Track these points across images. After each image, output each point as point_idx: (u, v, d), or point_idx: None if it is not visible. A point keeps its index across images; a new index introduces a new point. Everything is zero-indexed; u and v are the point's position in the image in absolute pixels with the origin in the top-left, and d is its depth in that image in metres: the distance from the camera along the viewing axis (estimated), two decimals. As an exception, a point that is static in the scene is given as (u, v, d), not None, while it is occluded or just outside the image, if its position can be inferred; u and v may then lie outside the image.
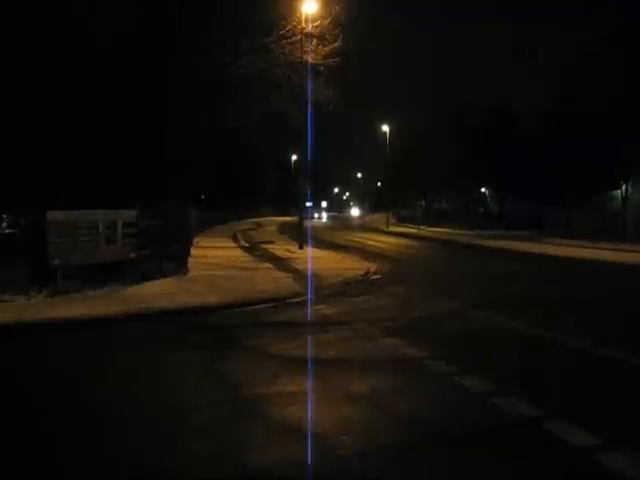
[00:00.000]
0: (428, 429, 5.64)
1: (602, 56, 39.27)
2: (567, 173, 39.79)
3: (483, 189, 61.20)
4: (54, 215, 13.67)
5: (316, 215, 31.38)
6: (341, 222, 74.87)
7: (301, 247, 27.29)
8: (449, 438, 5.42)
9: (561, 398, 6.51)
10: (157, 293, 13.52)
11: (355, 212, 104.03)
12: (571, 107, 42.19)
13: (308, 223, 31.82)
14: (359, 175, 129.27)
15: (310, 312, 12.24)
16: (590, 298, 14.11)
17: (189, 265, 18.23)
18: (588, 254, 25.40)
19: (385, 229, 57.44)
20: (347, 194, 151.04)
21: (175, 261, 17.35)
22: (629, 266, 21.80)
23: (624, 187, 40.68)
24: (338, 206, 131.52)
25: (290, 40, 24.05)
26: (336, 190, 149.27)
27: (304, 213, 31.24)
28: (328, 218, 72.20)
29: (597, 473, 4.75)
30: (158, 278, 15.57)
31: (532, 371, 7.66)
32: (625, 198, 40.54)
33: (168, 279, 15.71)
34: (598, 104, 40.05)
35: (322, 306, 12.81)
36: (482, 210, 61.33)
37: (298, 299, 13.58)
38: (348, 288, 15.60)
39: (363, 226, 66.39)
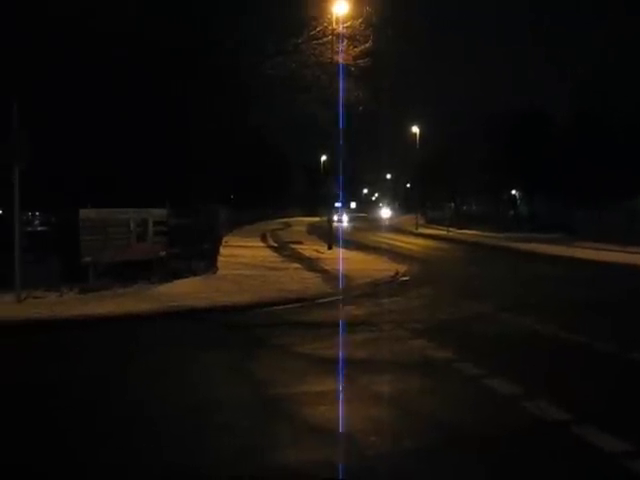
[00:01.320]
0: (457, 432, 5.59)
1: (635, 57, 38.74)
2: (598, 176, 39.26)
3: (513, 191, 60.55)
4: (86, 213, 13.83)
5: (335, 218, 30.00)
6: (369, 223, 74.72)
7: (330, 247, 27.28)
8: (478, 441, 5.36)
9: (591, 402, 6.40)
10: (186, 292, 13.61)
11: (385, 213, 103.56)
12: (603, 110, 41.69)
13: (337, 224, 31.77)
14: (388, 176, 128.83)
15: (339, 313, 12.23)
16: (620, 302, 13.88)
17: (218, 264, 18.32)
18: (619, 258, 24.96)
19: (414, 230, 57.13)
20: (376, 195, 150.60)
21: (204, 260, 17.45)
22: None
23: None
24: (367, 207, 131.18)
25: (321, 41, 24.04)
26: (365, 191, 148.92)
27: (333, 214, 31.21)
28: (351, 221, 70.41)
29: (625, 478, 4.67)
30: (187, 276, 15.68)
31: (561, 375, 7.54)
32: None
33: (197, 278, 15.81)
34: (630, 107, 39.54)
35: (351, 307, 12.79)
36: (512, 212, 60.68)
37: (327, 299, 13.57)
38: (377, 289, 15.54)
39: (391, 227, 66.13)
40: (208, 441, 5.35)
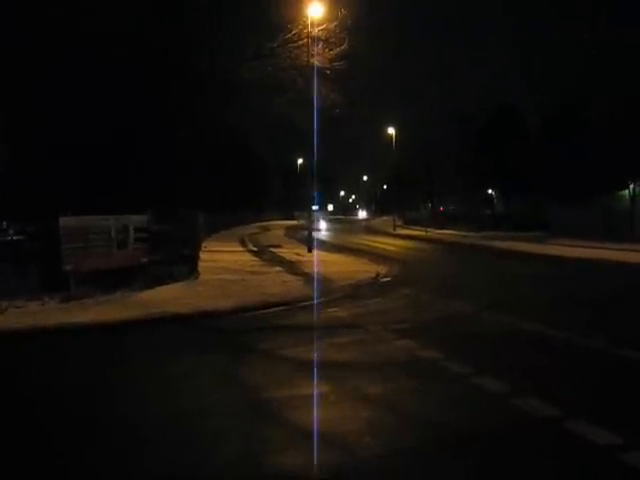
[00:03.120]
0: (448, 430, 5.64)
1: (610, 57, 39.32)
2: (573, 173, 39.77)
3: (489, 190, 61.08)
4: (66, 221, 13.73)
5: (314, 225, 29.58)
6: (347, 225, 74.83)
7: (310, 250, 27.29)
8: (470, 439, 5.43)
9: (578, 398, 6.49)
10: (169, 297, 13.56)
11: (361, 215, 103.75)
12: (578, 107, 42.27)
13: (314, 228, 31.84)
14: (365, 178, 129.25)
15: (322, 315, 12.26)
16: (601, 298, 14.08)
17: (199, 269, 18.27)
18: (597, 254, 25.29)
19: (392, 231, 57.43)
20: (353, 197, 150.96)
21: (186, 265, 17.39)
22: (636, 265, 21.70)
23: (631, 187, 40.65)
24: (344, 209, 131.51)
25: (296, 44, 24.10)
26: (342, 193, 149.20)
27: (311, 217, 31.24)
28: (329, 222, 69.87)
29: (620, 472, 4.76)
30: (169, 283, 15.62)
31: (548, 371, 7.65)
32: (632, 198, 40.51)
33: (179, 283, 15.76)
34: (605, 105, 40.13)
35: (334, 309, 12.83)
36: (489, 212, 61.20)
37: (309, 302, 13.59)
38: (359, 291, 15.60)
39: (370, 229, 66.31)
40: (199, 448, 5.34)
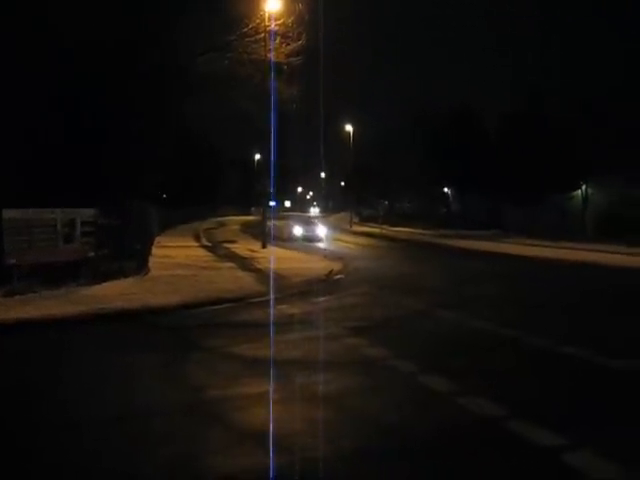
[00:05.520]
0: (393, 430, 5.58)
1: (565, 58, 40.08)
2: (527, 173, 40.39)
3: (445, 189, 61.64)
4: (10, 213, 13.27)
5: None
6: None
7: (264, 246, 27.13)
8: (415, 439, 5.37)
9: (526, 397, 6.50)
10: (116, 293, 13.24)
11: (314, 211, 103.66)
12: (532, 108, 42.96)
13: (271, 223, 31.56)
14: (322, 175, 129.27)
15: (273, 312, 12.10)
16: (552, 297, 14.25)
17: (150, 265, 17.93)
18: (550, 253, 25.69)
19: (348, 228, 57.52)
20: (311, 193, 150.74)
21: (136, 260, 17.03)
22: (591, 265, 22.07)
23: (584, 187, 41.53)
24: (302, 205, 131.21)
25: (253, 38, 23.89)
26: (300, 189, 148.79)
27: (267, 212, 31.00)
28: (284, 219, 68.70)
29: (561, 472, 4.74)
30: (118, 278, 15.26)
31: (496, 370, 7.65)
32: (585, 198, 41.38)
33: (128, 279, 15.41)
34: (558, 106, 40.85)
35: (285, 306, 12.69)
36: (444, 210, 61.79)
37: (261, 299, 13.42)
38: (311, 288, 15.47)
39: (326, 225, 66.33)
40: (141, 449, 5.18)
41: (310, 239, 34.32)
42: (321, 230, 37.69)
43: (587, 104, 37.83)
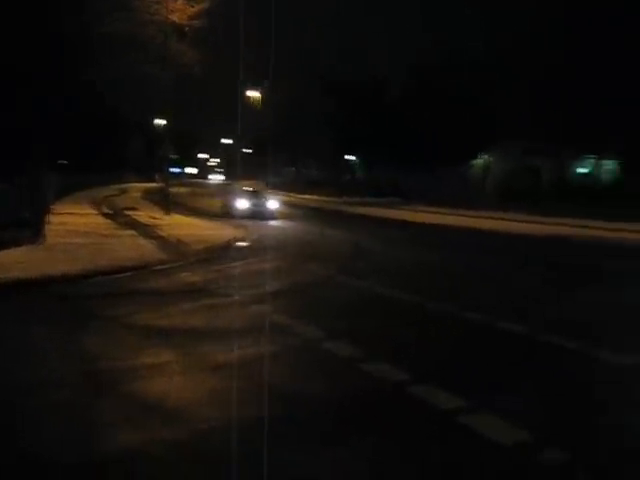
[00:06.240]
0: (295, 397, 5.64)
1: (470, 26, 40.78)
2: (431, 142, 41.36)
3: (350, 157, 62.18)
4: None
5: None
6: (206, 189, 73.60)
7: (167, 213, 26.62)
8: (319, 404, 5.46)
9: (429, 362, 6.72)
10: (10, 262, 12.64)
11: (215, 179, 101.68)
12: (439, 79, 43.82)
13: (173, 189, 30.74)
14: (225, 141, 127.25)
15: (175, 280, 11.93)
16: (455, 263, 14.73)
17: (46, 233, 17.24)
18: (449, 220, 26.57)
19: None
20: (217, 160, 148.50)
21: (30, 229, 16.31)
22: (488, 232, 22.97)
23: (486, 157, 43.01)
24: (207, 172, 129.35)
25: (155, -1, 23.30)
26: (205, 156, 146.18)
27: (169, 179, 30.33)
28: (186, 186, 65.98)
29: (461, 434, 4.92)
30: (10, 247, 14.58)
31: (401, 336, 7.84)
32: (486, 167, 42.85)
33: (22, 248, 14.73)
34: (466, 77, 41.80)
35: (188, 273, 12.53)
36: (349, 177, 62.39)
37: (163, 267, 13.19)
38: (214, 255, 15.34)
39: (229, 192, 65.66)
40: (37, 423, 5.00)
41: (259, 215, 28.51)
42: (272, 204, 30.79)
43: (486, 78, 38.90)
